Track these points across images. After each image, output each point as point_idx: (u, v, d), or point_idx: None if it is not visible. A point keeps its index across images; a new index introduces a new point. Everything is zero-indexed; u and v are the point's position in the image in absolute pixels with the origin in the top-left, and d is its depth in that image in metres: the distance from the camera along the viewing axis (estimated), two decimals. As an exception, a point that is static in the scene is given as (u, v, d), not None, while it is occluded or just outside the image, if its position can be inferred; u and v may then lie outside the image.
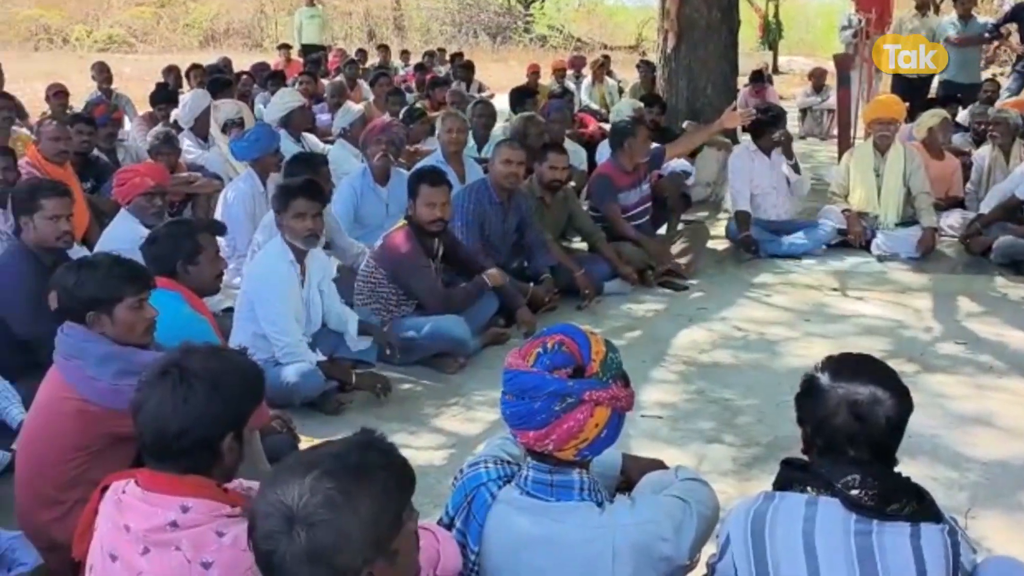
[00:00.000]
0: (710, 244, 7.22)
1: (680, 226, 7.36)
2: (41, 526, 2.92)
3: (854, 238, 7.17)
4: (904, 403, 2.23)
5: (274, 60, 15.69)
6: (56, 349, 2.96)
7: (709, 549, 2.41)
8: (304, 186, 4.42)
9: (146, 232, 4.87)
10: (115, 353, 2.91)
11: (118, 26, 28.39)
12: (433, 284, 5.03)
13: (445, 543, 2.24)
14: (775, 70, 22.05)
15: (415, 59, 18.01)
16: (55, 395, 2.92)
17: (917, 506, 2.17)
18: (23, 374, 3.96)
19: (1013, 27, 11.24)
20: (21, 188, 4.43)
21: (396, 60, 17.99)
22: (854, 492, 2.15)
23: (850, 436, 2.19)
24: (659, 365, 5.13)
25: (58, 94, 9.17)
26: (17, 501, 3.04)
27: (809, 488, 2.23)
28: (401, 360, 4.96)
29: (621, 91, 13.56)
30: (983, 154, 7.76)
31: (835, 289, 6.46)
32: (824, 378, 2.26)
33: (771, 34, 24.74)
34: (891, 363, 2.38)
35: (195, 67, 11.70)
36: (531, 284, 5.70)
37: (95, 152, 7.14)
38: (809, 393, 2.28)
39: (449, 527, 2.36)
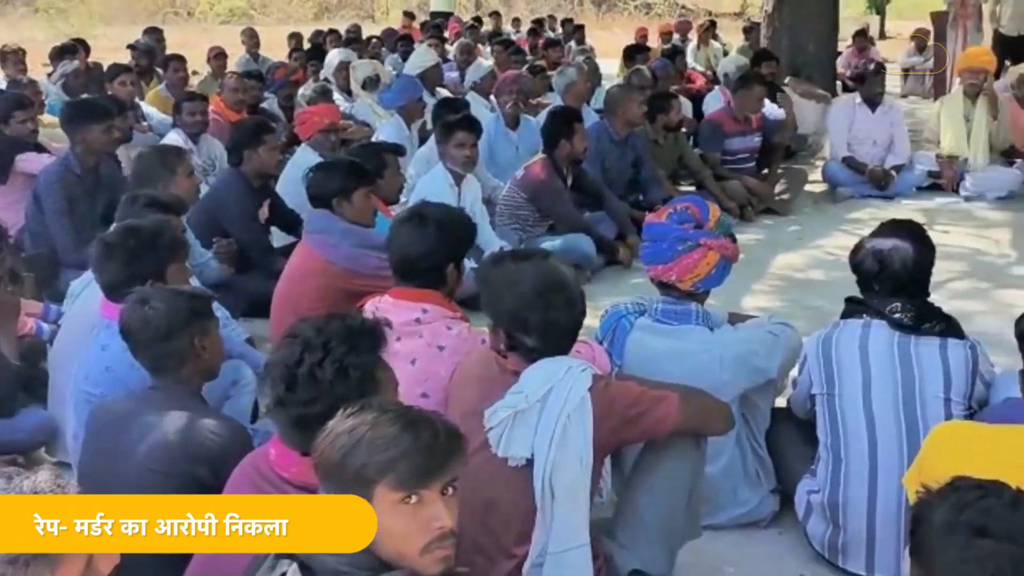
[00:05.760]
0: (808, 188, 7.88)
1: (780, 170, 8.05)
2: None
3: (947, 182, 7.67)
4: (922, 252, 3.02)
5: (398, 26, 16.75)
6: (305, 228, 4.00)
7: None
8: (464, 120, 5.37)
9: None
10: (352, 230, 3.96)
11: (239, -1, 29.99)
12: (568, 205, 5.91)
13: (598, 352, 3.11)
14: (882, 35, 22.18)
15: (525, 26, 18.83)
16: (304, 260, 3.96)
17: (946, 326, 2.97)
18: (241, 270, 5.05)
19: None
20: (248, 125, 5.42)
21: (507, 26, 18.85)
22: (896, 315, 2.96)
23: (874, 275, 3.00)
24: (758, 281, 5.92)
25: (218, 56, 10.32)
26: (272, 342, 4.04)
27: (865, 315, 3.05)
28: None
29: (726, 53, 14.11)
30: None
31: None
32: (865, 239, 3.09)
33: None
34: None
35: (332, 32, 12.82)
36: (647, 213, 6.50)
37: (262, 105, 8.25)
38: (856, 250, 3.11)
39: (598, 345, 3.24)
